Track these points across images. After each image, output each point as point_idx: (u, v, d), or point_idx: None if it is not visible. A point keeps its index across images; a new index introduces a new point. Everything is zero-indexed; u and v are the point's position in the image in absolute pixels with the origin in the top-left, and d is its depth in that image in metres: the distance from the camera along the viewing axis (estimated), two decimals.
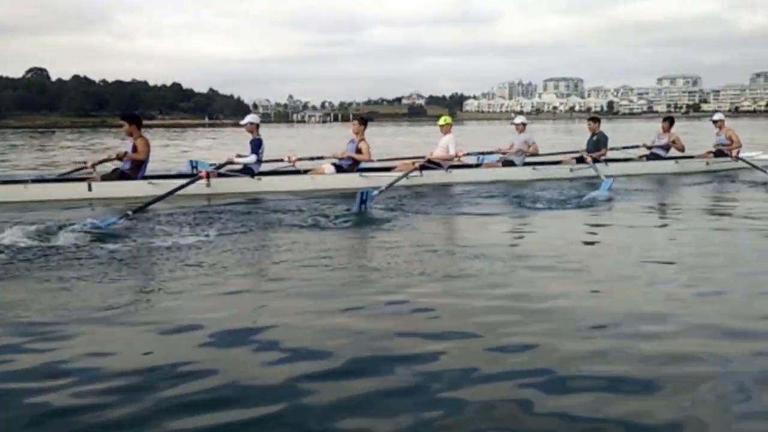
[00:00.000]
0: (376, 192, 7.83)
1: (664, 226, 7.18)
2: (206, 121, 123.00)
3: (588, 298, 4.14)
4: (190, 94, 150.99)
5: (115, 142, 30.17)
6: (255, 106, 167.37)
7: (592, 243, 6.24)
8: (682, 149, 12.61)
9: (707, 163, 12.42)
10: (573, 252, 5.50)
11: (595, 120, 12.51)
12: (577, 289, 4.29)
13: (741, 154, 12.33)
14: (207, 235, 5.99)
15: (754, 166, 11.58)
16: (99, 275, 4.57)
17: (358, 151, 10.23)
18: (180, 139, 37.99)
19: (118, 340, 3.34)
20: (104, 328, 3.51)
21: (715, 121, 13.11)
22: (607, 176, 9.92)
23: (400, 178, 9.52)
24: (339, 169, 10.24)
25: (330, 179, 10.06)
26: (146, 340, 3.35)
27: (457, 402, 2.63)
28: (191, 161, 11.29)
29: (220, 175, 9.39)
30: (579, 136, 30.58)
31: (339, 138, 34.14)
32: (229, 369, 2.93)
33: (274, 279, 4.62)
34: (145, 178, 9.11)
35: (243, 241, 5.83)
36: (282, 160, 10.49)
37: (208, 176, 9.04)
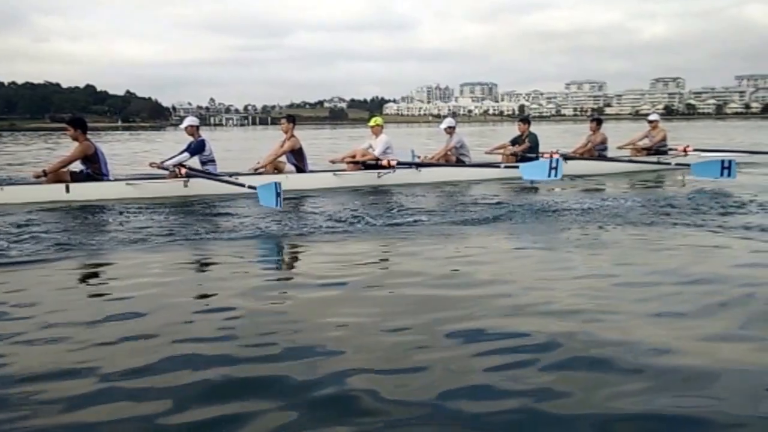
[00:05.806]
0: None
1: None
2: (119, 124, 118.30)
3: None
4: (104, 96, 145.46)
5: (19, 147, 28.99)
6: (174, 108, 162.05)
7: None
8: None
9: (658, 161, 12.49)
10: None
11: (525, 121, 12.70)
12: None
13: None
14: (177, 235, 6.15)
15: (709, 150, 12.71)
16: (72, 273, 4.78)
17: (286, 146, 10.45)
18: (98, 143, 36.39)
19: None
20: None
21: (650, 121, 13.44)
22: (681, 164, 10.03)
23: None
24: (298, 169, 10.49)
25: (305, 178, 10.31)
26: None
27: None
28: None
29: (194, 176, 9.49)
30: (495, 138, 29.64)
31: (259, 140, 34.74)
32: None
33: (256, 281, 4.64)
34: (123, 179, 9.48)
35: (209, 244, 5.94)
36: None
37: (187, 176, 9.28)
